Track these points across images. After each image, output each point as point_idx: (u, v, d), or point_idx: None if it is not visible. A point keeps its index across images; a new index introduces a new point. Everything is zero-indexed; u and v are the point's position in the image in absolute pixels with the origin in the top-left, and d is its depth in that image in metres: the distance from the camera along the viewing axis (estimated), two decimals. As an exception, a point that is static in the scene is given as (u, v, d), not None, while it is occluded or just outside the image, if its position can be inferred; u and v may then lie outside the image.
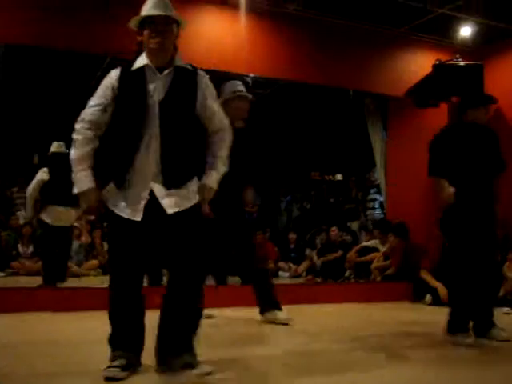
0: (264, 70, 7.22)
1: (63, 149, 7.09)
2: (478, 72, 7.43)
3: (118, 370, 3.03)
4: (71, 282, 7.41)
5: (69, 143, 3.25)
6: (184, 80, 3.22)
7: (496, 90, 7.76)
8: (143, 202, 3.11)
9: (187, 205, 3.16)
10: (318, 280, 9.10)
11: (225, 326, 5.05)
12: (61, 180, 7.12)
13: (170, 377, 3.08)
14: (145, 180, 3.13)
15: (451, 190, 4.38)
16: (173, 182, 3.15)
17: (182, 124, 3.18)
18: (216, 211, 4.90)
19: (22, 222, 9.52)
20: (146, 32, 3.18)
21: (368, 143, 9.37)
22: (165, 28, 3.17)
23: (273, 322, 5.11)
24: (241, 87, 5.22)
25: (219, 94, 5.04)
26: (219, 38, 6.88)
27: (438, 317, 4.82)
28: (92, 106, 3.18)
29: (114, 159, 3.20)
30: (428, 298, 6.87)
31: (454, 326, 4.44)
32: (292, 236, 10.93)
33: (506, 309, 6.32)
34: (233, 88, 5.18)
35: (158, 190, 3.12)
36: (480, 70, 7.44)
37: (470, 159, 4.51)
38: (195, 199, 3.22)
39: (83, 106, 3.20)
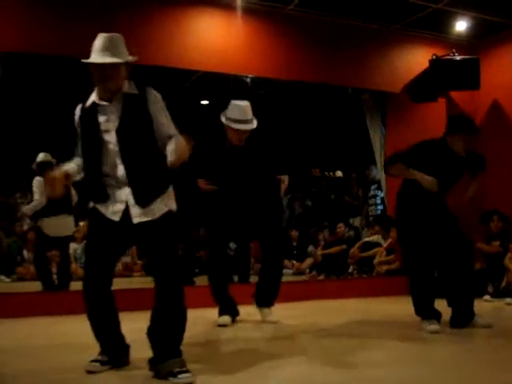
0: (261, 71, 7.26)
1: (49, 158, 7.19)
2: (474, 66, 7.49)
3: (97, 364, 3.34)
4: (79, 285, 7.47)
5: (65, 149, 3.47)
6: (134, 104, 3.29)
7: (492, 83, 7.86)
8: (122, 207, 3.28)
9: (155, 215, 3.29)
10: (322, 276, 9.14)
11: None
12: None
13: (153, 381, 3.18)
14: (120, 194, 3.29)
15: (429, 177, 4.53)
16: (143, 200, 3.27)
17: (141, 145, 3.28)
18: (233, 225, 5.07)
19: (26, 227, 9.57)
20: (93, 74, 3.25)
21: (367, 139, 9.40)
22: (111, 73, 3.23)
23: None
24: (242, 115, 4.95)
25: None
26: (215, 39, 6.93)
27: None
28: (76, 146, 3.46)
29: (89, 184, 3.40)
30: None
31: (419, 312, 4.74)
32: (294, 233, 10.95)
33: (508, 299, 6.40)
34: (232, 114, 4.95)
35: (131, 202, 3.28)
36: (476, 63, 7.50)
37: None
38: (165, 208, 3.34)
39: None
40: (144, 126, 3.28)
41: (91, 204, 3.41)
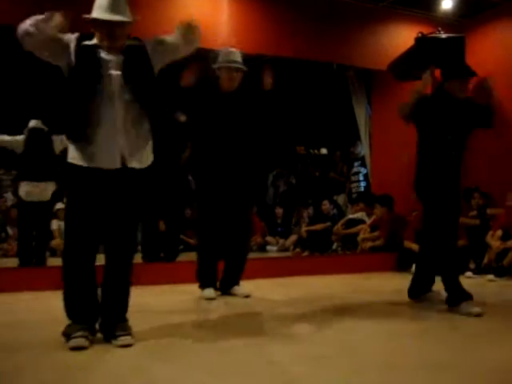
0: (246, 47, 7.18)
1: (40, 125, 7.14)
2: (459, 44, 7.48)
3: (83, 340, 3.26)
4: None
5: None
6: (137, 53, 3.39)
7: (477, 61, 7.85)
8: (118, 152, 3.31)
9: (143, 164, 3.43)
10: (306, 253, 9.19)
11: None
12: (35, 155, 7.04)
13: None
14: (113, 134, 3.29)
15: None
16: (134, 145, 3.37)
17: (142, 92, 3.37)
18: (218, 183, 5.01)
19: (9, 204, 9.52)
20: (99, 32, 3.31)
21: (352, 117, 9.42)
22: (120, 31, 3.31)
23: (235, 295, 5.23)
24: (232, 57, 5.21)
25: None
26: (200, 14, 6.84)
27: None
28: None
29: (74, 116, 3.33)
30: (414, 267, 6.99)
31: (455, 297, 4.51)
32: (279, 211, 10.98)
33: (490, 276, 6.49)
34: (223, 57, 5.22)
35: (125, 145, 3.32)
36: (462, 42, 7.50)
37: (439, 129, 4.68)
38: (148, 161, 3.48)
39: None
40: (146, 74, 3.38)
41: (70, 160, 3.37)
